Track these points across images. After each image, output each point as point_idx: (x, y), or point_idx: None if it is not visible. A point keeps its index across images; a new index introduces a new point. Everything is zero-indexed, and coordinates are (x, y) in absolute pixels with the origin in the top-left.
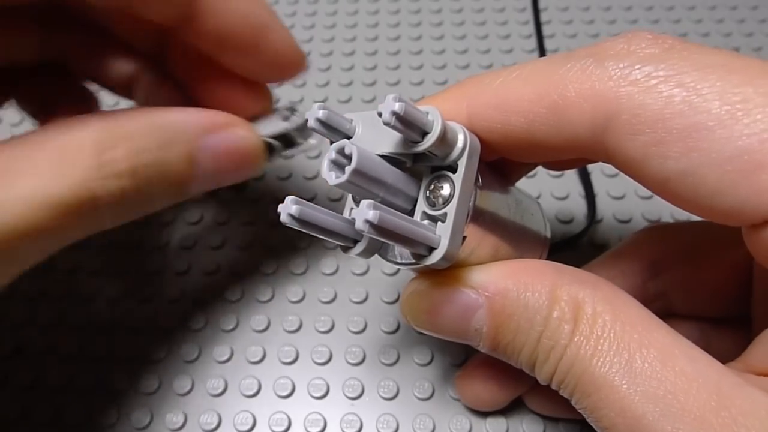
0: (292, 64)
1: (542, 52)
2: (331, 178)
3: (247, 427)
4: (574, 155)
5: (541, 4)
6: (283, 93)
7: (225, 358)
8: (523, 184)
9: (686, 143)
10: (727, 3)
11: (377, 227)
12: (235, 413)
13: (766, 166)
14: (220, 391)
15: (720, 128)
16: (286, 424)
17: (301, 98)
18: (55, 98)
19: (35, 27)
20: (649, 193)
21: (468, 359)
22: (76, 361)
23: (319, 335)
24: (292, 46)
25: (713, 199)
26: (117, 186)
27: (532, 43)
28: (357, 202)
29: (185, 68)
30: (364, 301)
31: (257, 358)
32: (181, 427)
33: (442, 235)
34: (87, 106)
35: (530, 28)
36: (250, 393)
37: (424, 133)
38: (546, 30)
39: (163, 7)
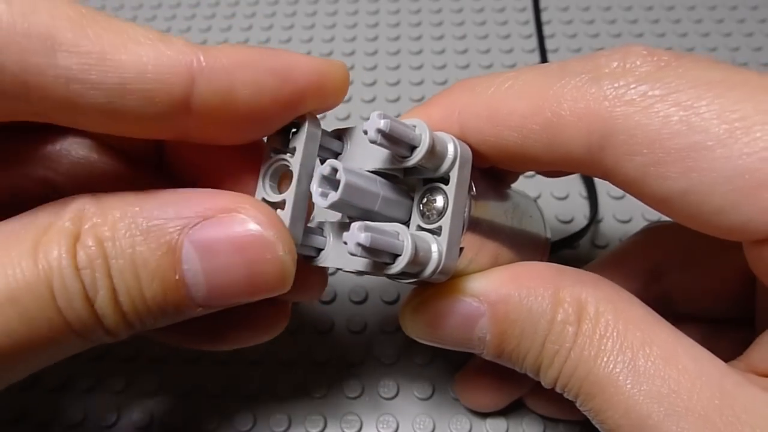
0: (335, 88)
1: (542, 51)
2: (321, 201)
3: (247, 427)
4: (569, 170)
5: (542, 4)
6: None
7: (224, 358)
8: (522, 184)
9: (685, 163)
10: (727, 3)
11: (370, 249)
12: (235, 413)
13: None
14: (219, 390)
15: (719, 147)
16: (285, 424)
17: None
18: None
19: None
20: None
21: (468, 359)
22: (74, 363)
23: (318, 335)
24: (325, 68)
25: (715, 217)
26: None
27: (533, 43)
28: (349, 219)
29: (187, 164)
30: (364, 301)
31: (256, 359)
32: (181, 428)
33: (438, 249)
34: None
35: (530, 28)
36: (250, 394)
37: (413, 148)
38: (546, 30)
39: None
